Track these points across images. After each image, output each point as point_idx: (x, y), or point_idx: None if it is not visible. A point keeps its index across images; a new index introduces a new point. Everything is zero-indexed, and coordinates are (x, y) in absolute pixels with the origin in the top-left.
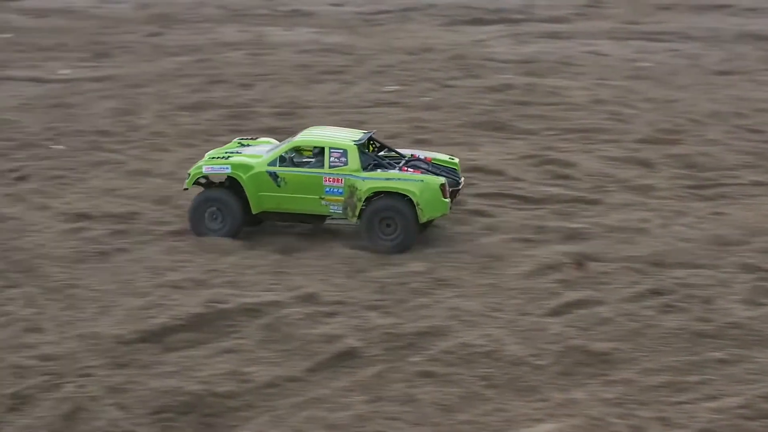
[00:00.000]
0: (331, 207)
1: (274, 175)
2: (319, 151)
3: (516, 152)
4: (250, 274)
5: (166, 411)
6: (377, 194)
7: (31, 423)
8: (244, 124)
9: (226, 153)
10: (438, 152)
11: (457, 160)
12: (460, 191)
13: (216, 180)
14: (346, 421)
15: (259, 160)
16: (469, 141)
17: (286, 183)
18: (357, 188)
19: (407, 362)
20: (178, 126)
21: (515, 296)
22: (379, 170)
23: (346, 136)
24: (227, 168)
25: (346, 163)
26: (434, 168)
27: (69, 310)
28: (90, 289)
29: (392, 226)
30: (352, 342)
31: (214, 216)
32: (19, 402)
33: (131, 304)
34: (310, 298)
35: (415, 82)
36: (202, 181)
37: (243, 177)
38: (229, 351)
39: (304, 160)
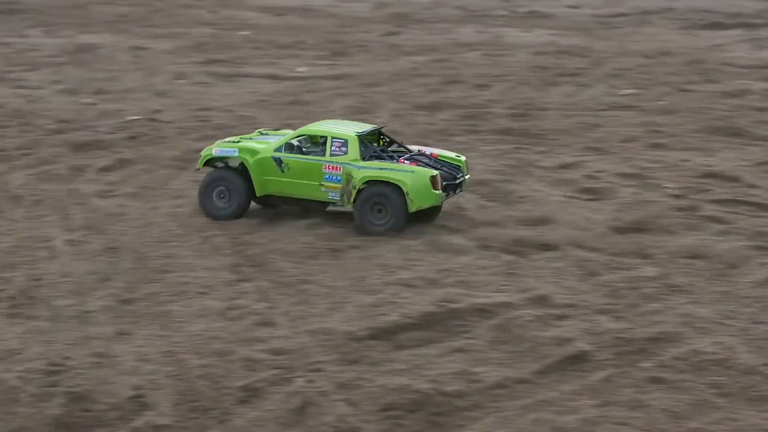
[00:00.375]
0: (330, 193)
1: (278, 161)
2: (323, 141)
3: (752, 158)
4: (482, 275)
5: (394, 408)
6: (372, 183)
7: (261, 416)
8: (479, 125)
9: (239, 139)
10: (447, 150)
11: (463, 159)
12: (462, 187)
13: (230, 164)
14: (573, 424)
15: (266, 146)
16: (704, 146)
17: (289, 168)
18: (353, 176)
19: (637, 367)
20: (414, 125)
21: (749, 304)
22: (376, 161)
23: (351, 128)
24: (235, 151)
25: (346, 153)
26: (435, 163)
27: (301, 305)
28: (322, 285)
29: (383, 212)
30: (582, 345)
31: (222, 195)
32: (250, 395)
33: (363, 301)
34: (541, 300)
35: (651, 85)
36: (219, 165)
37: (249, 161)
38: (458, 351)
39: (312, 149)
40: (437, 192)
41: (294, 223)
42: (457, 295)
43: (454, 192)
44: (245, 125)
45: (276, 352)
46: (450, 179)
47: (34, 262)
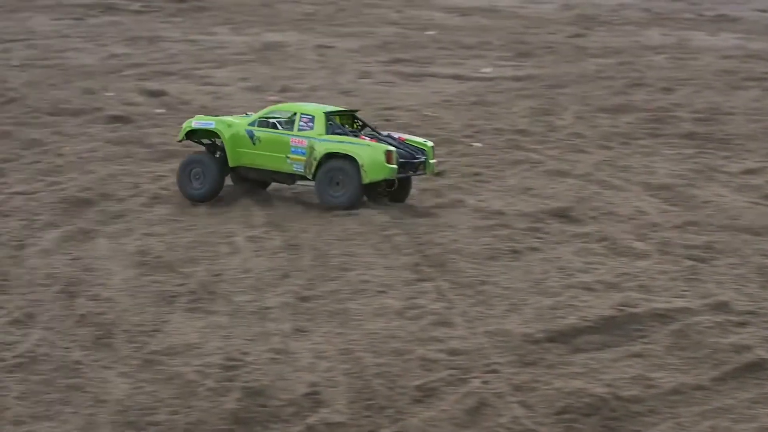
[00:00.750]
0: (295, 165)
1: (251, 134)
2: (293, 116)
3: None
4: (662, 280)
5: (570, 412)
6: (330, 156)
7: (435, 416)
8: (662, 128)
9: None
10: (416, 137)
11: (430, 144)
12: (426, 170)
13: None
14: None
15: (241, 120)
16: None
17: (260, 141)
18: (315, 149)
19: None
20: (596, 128)
21: None
22: (338, 136)
23: (321, 106)
24: (212, 123)
25: (312, 128)
26: (400, 144)
27: (479, 306)
28: (500, 287)
29: (340, 184)
30: (761, 353)
31: (197, 177)
32: (425, 394)
33: (541, 304)
34: (721, 307)
35: None
36: (207, 141)
37: (224, 134)
38: (636, 355)
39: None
40: (391, 166)
41: (474, 223)
42: (637, 300)
43: (414, 171)
44: (429, 125)
45: (453, 352)
46: (408, 157)
47: (215, 258)
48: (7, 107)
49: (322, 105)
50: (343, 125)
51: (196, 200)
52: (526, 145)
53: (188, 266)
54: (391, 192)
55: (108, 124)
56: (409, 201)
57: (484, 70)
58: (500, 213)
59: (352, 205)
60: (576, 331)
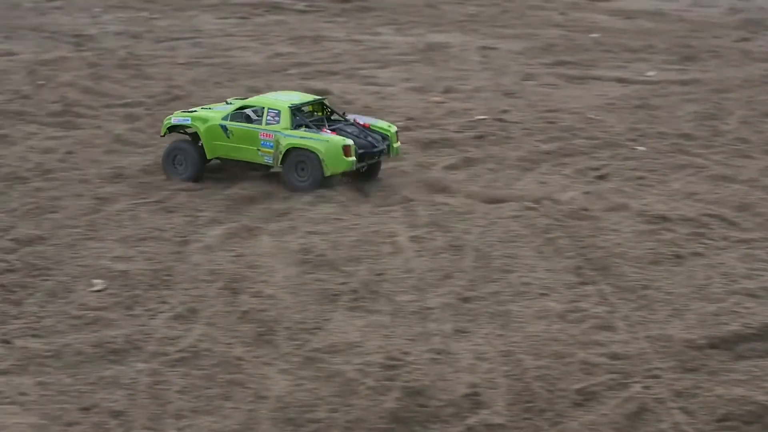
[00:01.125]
0: (265, 157)
1: (225, 128)
2: (262, 111)
3: None
4: None
5: (731, 419)
6: (294, 149)
7: (595, 420)
8: None
9: (200, 108)
10: (381, 121)
11: (393, 129)
12: (392, 153)
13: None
14: None
15: (216, 114)
16: None
17: (233, 135)
18: (280, 143)
19: None
20: (762, 133)
21: None
22: (302, 129)
23: (288, 99)
24: (188, 120)
25: (278, 122)
26: (364, 131)
27: (641, 311)
28: (663, 292)
29: (305, 170)
30: None
31: (180, 162)
32: (585, 398)
33: (704, 309)
34: None
35: None
36: (190, 131)
37: (200, 128)
38: None
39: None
40: (349, 159)
41: (638, 227)
42: None
43: (379, 157)
44: (593, 128)
45: (614, 356)
46: (368, 147)
47: (378, 257)
48: (172, 104)
49: (290, 96)
50: (313, 113)
51: (180, 181)
52: (690, 150)
53: (351, 265)
54: (360, 174)
55: None
56: (572, 204)
57: (648, 73)
58: (664, 218)
59: (315, 189)
60: (739, 338)
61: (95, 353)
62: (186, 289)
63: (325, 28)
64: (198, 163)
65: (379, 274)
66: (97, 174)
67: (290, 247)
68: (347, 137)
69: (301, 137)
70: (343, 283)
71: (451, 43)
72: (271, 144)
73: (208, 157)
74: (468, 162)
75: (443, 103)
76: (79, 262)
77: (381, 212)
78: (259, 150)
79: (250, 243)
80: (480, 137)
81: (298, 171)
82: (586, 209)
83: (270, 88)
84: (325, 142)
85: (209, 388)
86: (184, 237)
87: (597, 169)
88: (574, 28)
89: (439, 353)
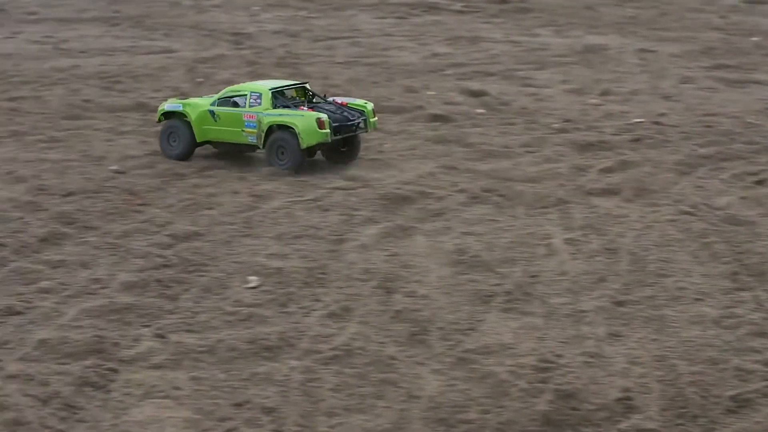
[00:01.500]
0: (249, 138)
1: (212, 113)
2: (245, 95)
3: None
4: None
5: None
6: (274, 127)
7: (749, 427)
8: None
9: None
10: (359, 99)
11: (369, 106)
12: (368, 127)
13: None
14: None
15: (205, 101)
16: None
17: (220, 118)
18: (262, 122)
19: None
20: None
21: None
22: (280, 109)
23: (272, 84)
24: (179, 106)
25: (260, 104)
26: (341, 109)
27: None
28: None
29: (284, 153)
30: None
31: (173, 139)
32: (739, 405)
33: None
34: None
35: None
36: (184, 118)
37: (191, 114)
38: None
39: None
40: (323, 131)
41: None
42: None
43: (354, 130)
44: (752, 133)
45: None
46: (343, 120)
47: (532, 259)
48: None
49: (270, 82)
50: (295, 97)
51: (174, 159)
52: None
53: (505, 266)
54: (343, 153)
55: (428, 122)
56: (729, 209)
57: None
58: None
59: (296, 170)
60: None
61: (249, 349)
62: (340, 287)
63: (483, 29)
64: (189, 141)
65: (533, 276)
66: (254, 171)
67: (445, 248)
68: (323, 113)
69: (280, 114)
70: (497, 285)
71: (608, 45)
72: (254, 124)
73: (198, 140)
74: (624, 165)
75: (600, 105)
76: (235, 259)
77: (536, 214)
78: (243, 131)
79: (404, 243)
80: (637, 140)
81: (278, 155)
82: (743, 214)
83: (426, 89)
84: (301, 116)
85: (362, 387)
86: (340, 235)
87: (755, 174)
88: (734, 32)
89: (592, 357)
